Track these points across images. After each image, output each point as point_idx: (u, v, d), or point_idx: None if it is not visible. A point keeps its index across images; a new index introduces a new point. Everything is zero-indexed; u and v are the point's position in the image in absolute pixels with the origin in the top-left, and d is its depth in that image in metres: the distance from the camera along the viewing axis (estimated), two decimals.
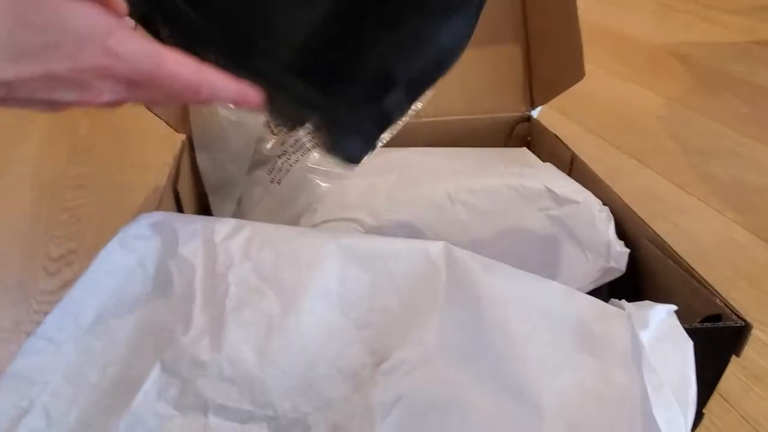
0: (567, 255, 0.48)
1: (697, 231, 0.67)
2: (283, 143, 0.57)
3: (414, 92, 0.37)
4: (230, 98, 0.30)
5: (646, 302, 0.33)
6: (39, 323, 0.32)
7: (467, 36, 0.36)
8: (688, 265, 0.41)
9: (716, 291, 0.37)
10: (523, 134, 0.67)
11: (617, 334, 0.31)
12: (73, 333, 0.32)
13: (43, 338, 0.31)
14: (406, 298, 0.34)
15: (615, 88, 1.09)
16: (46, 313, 0.32)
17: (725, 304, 0.36)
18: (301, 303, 0.33)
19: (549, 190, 0.48)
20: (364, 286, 0.34)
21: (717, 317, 0.36)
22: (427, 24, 0.34)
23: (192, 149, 0.57)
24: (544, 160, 0.60)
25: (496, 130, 0.67)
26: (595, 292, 0.42)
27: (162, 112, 0.55)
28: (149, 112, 0.52)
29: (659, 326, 0.30)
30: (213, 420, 0.30)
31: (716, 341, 0.35)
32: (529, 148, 0.64)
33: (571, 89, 0.60)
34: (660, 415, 0.27)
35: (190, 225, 0.37)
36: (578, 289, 0.34)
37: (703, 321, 0.37)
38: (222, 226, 0.37)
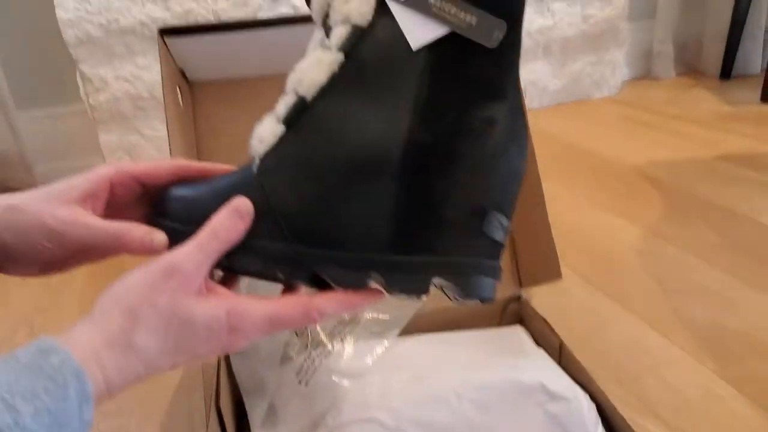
0: None
1: (682, 385, 0.73)
2: (307, 346, 0.65)
3: (505, 208, 0.39)
4: (355, 306, 0.38)
5: None
6: None
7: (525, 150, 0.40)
8: None
9: None
10: (516, 311, 0.75)
11: None
12: None
13: None
14: None
15: (596, 219, 1.18)
16: None
17: None
18: None
19: (543, 386, 0.56)
20: None
21: None
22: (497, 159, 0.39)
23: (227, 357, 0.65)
24: (535, 340, 0.69)
25: (493, 309, 0.75)
26: None
27: None
28: None
29: None
30: None
31: None
32: (521, 324, 0.73)
33: (558, 220, 0.71)
34: None
35: None
36: None
37: None
38: None
